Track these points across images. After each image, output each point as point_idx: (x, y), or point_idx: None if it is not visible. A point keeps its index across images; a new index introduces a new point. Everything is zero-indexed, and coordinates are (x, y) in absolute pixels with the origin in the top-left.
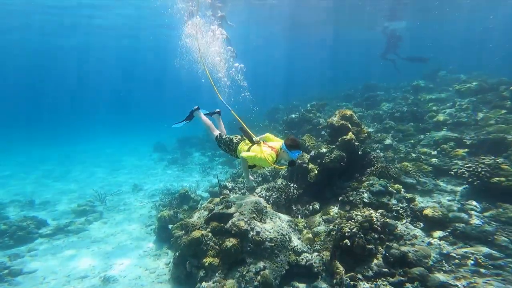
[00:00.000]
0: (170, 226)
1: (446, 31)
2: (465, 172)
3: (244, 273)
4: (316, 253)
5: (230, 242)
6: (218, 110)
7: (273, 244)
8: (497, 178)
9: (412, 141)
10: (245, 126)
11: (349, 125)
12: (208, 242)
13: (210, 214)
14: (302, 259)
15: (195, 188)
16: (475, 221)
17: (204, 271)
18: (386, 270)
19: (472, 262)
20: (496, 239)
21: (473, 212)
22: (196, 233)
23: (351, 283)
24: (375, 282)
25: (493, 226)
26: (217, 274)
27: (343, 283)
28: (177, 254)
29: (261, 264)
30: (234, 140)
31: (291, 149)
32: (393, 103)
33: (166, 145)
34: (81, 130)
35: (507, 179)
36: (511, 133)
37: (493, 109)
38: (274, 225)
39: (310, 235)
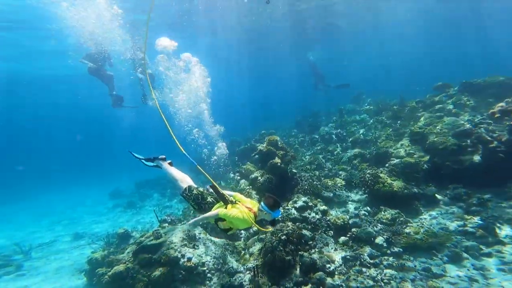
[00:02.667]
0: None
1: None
2: (359, 182)
3: None
4: (248, 272)
5: (159, 271)
6: (163, 156)
7: (205, 268)
8: (377, 185)
9: (334, 158)
10: (216, 185)
11: (275, 150)
12: (135, 275)
13: (137, 247)
14: (235, 279)
15: (138, 228)
16: (364, 225)
17: None
18: (301, 279)
19: (358, 262)
20: (375, 240)
21: (363, 217)
22: (120, 267)
23: None
24: None
25: (378, 227)
26: None
27: None
28: None
29: None
30: (209, 199)
31: (274, 209)
32: (328, 127)
33: (123, 190)
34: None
35: (383, 185)
36: (391, 148)
37: (384, 127)
38: (207, 250)
39: (247, 256)
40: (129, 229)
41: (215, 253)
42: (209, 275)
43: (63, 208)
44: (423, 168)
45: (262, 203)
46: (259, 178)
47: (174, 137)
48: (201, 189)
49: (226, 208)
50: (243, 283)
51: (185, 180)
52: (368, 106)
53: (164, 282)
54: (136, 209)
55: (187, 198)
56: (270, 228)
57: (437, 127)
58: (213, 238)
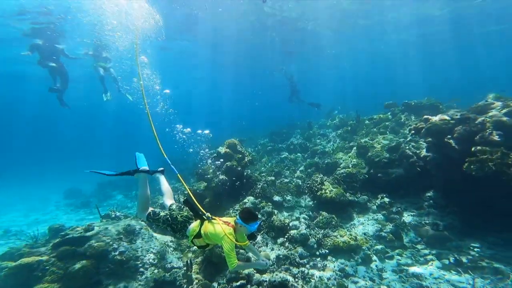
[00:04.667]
0: None
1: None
2: (306, 188)
3: None
4: (184, 267)
5: (80, 264)
6: (162, 168)
7: (138, 263)
8: (320, 192)
9: (293, 167)
10: (194, 198)
11: (232, 153)
12: (47, 267)
13: (61, 239)
14: (171, 274)
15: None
16: (302, 227)
17: None
18: (234, 275)
19: (288, 261)
20: (308, 242)
21: (303, 221)
22: (28, 259)
23: None
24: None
25: (314, 230)
26: None
27: None
28: None
29: (121, 284)
30: (179, 219)
31: (249, 222)
32: (296, 138)
33: (83, 189)
34: None
35: (324, 191)
36: (341, 158)
37: (342, 140)
38: (145, 245)
39: (190, 254)
40: (68, 225)
41: (153, 249)
42: (141, 269)
43: (5, 204)
44: (360, 178)
45: (237, 216)
46: (214, 178)
47: (157, 139)
48: (172, 206)
49: (202, 225)
50: (177, 277)
51: (148, 206)
52: (332, 122)
53: (84, 276)
54: (90, 208)
55: (155, 221)
56: (247, 242)
57: (377, 142)
58: (155, 234)
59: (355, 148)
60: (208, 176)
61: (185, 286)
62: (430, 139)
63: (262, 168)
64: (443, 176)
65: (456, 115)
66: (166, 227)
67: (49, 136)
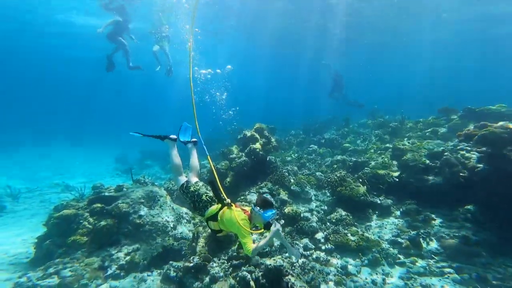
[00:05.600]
0: None
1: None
2: (326, 183)
3: (113, 252)
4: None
5: (105, 221)
6: (195, 139)
7: (153, 228)
8: (340, 188)
9: (319, 161)
10: (218, 181)
11: (258, 136)
12: (81, 221)
13: (95, 196)
14: (178, 244)
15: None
16: (313, 220)
17: (64, 249)
18: (235, 254)
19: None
20: (316, 235)
21: (315, 214)
22: (68, 211)
23: (203, 263)
24: (224, 264)
25: (325, 225)
26: (79, 252)
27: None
28: (42, 234)
29: (135, 246)
30: (204, 198)
31: (264, 210)
32: (330, 133)
33: (129, 157)
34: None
35: (345, 188)
36: (372, 159)
37: (378, 141)
38: (162, 212)
39: (200, 228)
40: (106, 185)
41: (168, 217)
42: (154, 235)
43: (68, 163)
44: (388, 181)
45: (254, 205)
46: (236, 159)
47: (195, 117)
48: (198, 184)
49: (221, 210)
50: (183, 247)
51: (182, 172)
52: (372, 121)
53: (107, 233)
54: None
55: (183, 194)
56: (262, 230)
57: (418, 146)
58: (173, 205)
59: (390, 149)
60: (232, 156)
61: (188, 256)
62: (484, 148)
63: (288, 158)
64: (489, 191)
65: None
66: (189, 202)
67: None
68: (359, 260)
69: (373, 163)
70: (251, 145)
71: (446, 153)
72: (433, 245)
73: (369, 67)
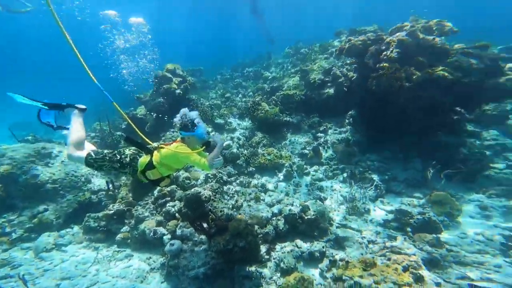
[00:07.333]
0: None
1: None
2: (244, 109)
3: (13, 217)
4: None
5: None
6: (84, 107)
7: (57, 185)
8: (256, 112)
9: (243, 93)
10: (138, 131)
11: (171, 76)
12: None
13: None
14: (97, 196)
15: None
16: (234, 147)
17: None
18: (159, 194)
19: (215, 180)
20: (238, 161)
21: (236, 141)
22: None
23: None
24: (148, 205)
25: (247, 150)
26: None
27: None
28: None
29: (41, 207)
30: (128, 152)
31: (192, 129)
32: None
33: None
34: None
35: (260, 111)
36: (286, 83)
37: (293, 67)
38: (66, 167)
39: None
40: None
41: (75, 172)
42: (62, 192)
43: None
44: (297, 100)
45: (179, 131)
46: (151, 102)
47: (82, 60)
48: (109, 150)
49: (153, 156)
50: (102, 198)
51: (83, 145)
52: (287, 51)
53: None
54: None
55: (97, 161)
56: (203, 148)
57: (318, 66)
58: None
59: (299, 72)
60: (145, 99)
61: (110, 205)
62: (354, 59)
63: (213, 95)
64: (360, 95)
65: (373, 36)
66: (112, 165)
67: None
68: (276, 176)
69: (285, 86)
70: (165, 86)
71: (333, 68)
72: (330, 152)
73: None
